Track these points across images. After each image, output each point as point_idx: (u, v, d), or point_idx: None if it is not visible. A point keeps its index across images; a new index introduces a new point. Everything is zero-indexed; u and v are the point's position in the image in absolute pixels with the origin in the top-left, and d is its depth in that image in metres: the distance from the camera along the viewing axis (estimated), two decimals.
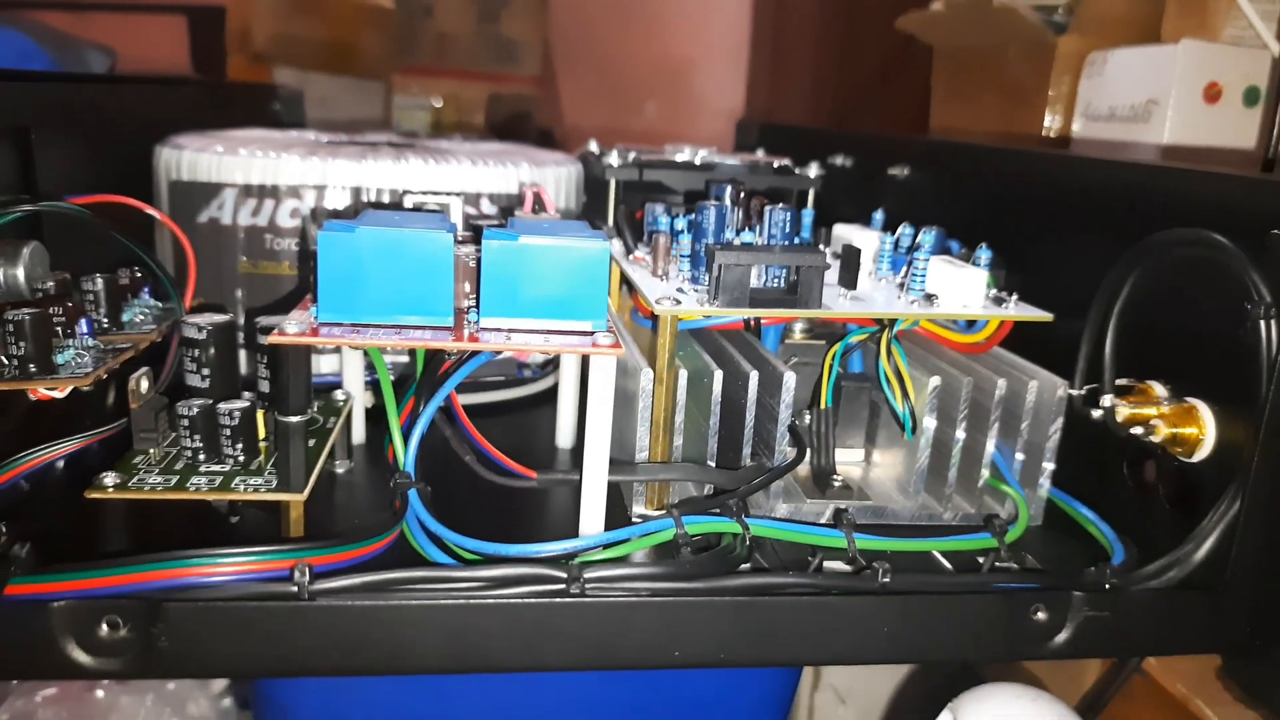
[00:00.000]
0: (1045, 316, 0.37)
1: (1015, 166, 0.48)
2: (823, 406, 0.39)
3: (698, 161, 0.54)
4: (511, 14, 1.86)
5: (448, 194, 0.44)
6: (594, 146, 0.60)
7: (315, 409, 0.38)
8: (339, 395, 0.38)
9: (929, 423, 0.37)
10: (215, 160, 0.44)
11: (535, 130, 1.75)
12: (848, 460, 0.42)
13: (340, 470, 0.39)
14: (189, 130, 0.53)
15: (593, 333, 0.31)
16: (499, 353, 0.30)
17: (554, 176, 0.49)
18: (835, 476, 0.39)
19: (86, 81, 0.47)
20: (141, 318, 0.38)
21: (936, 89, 0.93)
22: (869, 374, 0.42)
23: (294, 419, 0.30)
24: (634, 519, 0.36)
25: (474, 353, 0.33)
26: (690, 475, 0.35)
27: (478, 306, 0.32)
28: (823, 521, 0.37)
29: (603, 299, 0.31)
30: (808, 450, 0.39)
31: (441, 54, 1.85)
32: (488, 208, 0.46)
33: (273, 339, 0.29)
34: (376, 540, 0.30)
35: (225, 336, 0.34)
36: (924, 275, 0.37)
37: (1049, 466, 0.38)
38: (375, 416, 0.41)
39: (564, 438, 0.43)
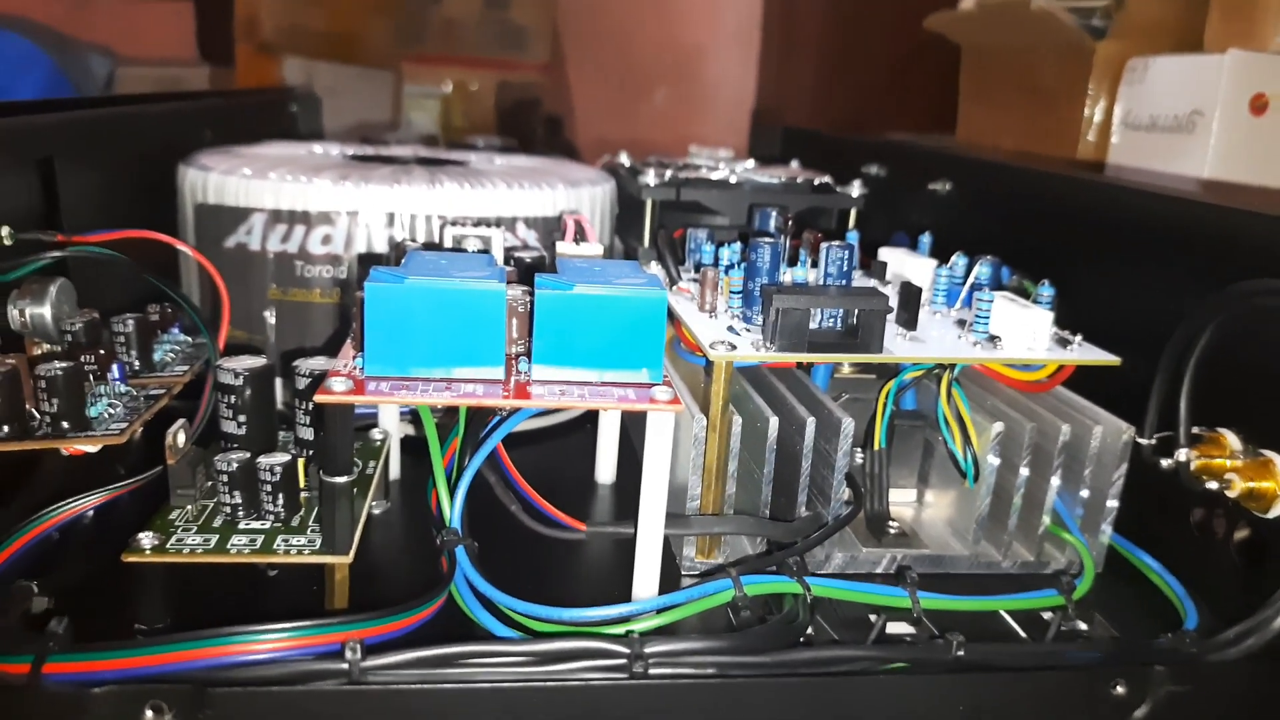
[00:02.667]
0: (1112, 361, 0.36)
1: (1071, 192, 0.46)
2: (877, 447, 0.38)
3: (733, 179, 0.52)
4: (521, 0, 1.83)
5: (484, 222, 0.42)
6: (625, 159, 0.59)
7: (355, 450, 0.36)
8: (376, 435, 0.37)
9: (989, 466, 0.36)
10: (244, 184, 0.43)
11: (544, 118, 1.73)
12: (900, 501, 0.41)
13: (378, 511, 0.38)
14: (212, 144, 0.52)
15: (650, 385, 0.30)
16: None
17: (589, 197, 0.47)
18: (891, 522, 0.37)
19: (105, 105, 0.45)
20: (172, 356, 0.36)
21: (964, 89, 0.91)
22: (923, 411, 0.40)
23: (339, 480, 0.28)
24: (683, 565, 0.35)
25: None
26: (746, 529, 0.33)
27: (528, 354, 0.30)
28: (880, 571, 0.36)
29: (660, 350, 0.30)
30: (862, 495, 0.37)
31: (449, 41, 1.83)
32: (524, 231, 0.44)
33: (321, 398, 0.27)
34: (426, 607, 0.28)
35: (262, 383, 0.32)
36: (988, 316, 0.36)
37: (1112, 513, 0.37)
38: (410, 447, 0.40)
39: (604, 473, 0.42)
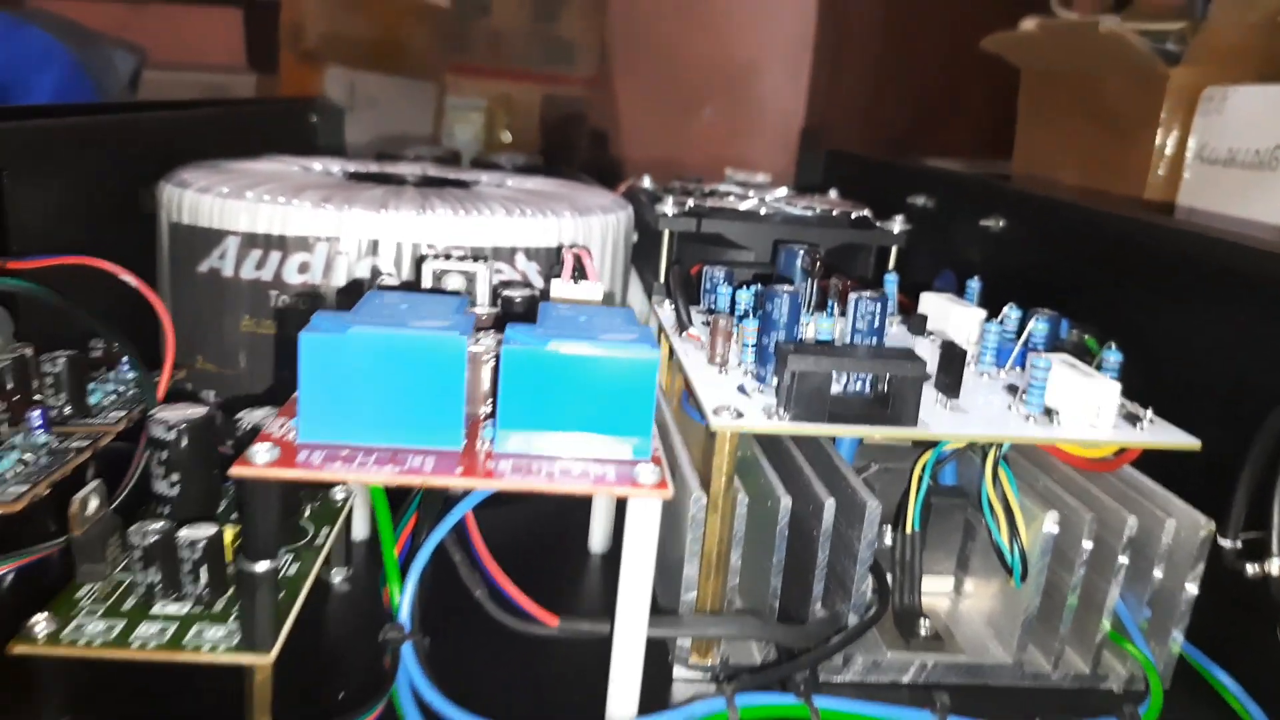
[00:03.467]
0: (1191, 445, 0.30)
1: (1145, 237, 0.41)
2: (909, 530, 0.33)
3: (763, 210, 0.47)
4: (570, 13, 1.80)
5: (479, 252, 0.38)
6: (647, 183, 0.54)
7: (309, 512, 0.32)
8: (338, 494, 0.33)
9: (1039, 562, 0.30)
10: (218, 203, 0.39)
11: (589, 133, 1.70)
12: (935, 590, 0.35)
13: (337, 580, 0.33)
14: (210, 157, 0.48)
15: (634, 462, 0.25)
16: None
17: (600, 226, 0.43)
18: (922, 619, 0.32)
19: (78, 114, 0.42)
20: (113, 399, 0.32)
21: (1023, 114, 0.85)
22: (965, 487, 0.35)
23: (260, 567, 0.24)
24: (676, 661, 0.30)
25: None
26: (748, 632, 0.28)
27: (494, 417, 0.26)
28: (907, 681, 0.31)
29: (648, 420, 0.25)
30: (890, 589, 0.32)
31: (495, 54, 1.80)
32: (524, 264, 0.40)
33: (238, 470, 0.23)
34: None
35: (201, 436, 0.28)
36: (1043, 385, 0.31)
37: (1184, 619, 0.31)
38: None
39: (598, 540, 0.38)
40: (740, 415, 0.28)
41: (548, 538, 0.38)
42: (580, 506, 0.39)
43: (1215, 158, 0.63)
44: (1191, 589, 0.31)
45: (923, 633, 0.32)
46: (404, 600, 0.27)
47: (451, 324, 0.25)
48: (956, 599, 0.35)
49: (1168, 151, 0.68)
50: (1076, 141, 0.77)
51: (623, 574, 0.25)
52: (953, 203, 0.58)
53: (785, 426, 0.28)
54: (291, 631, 0.26)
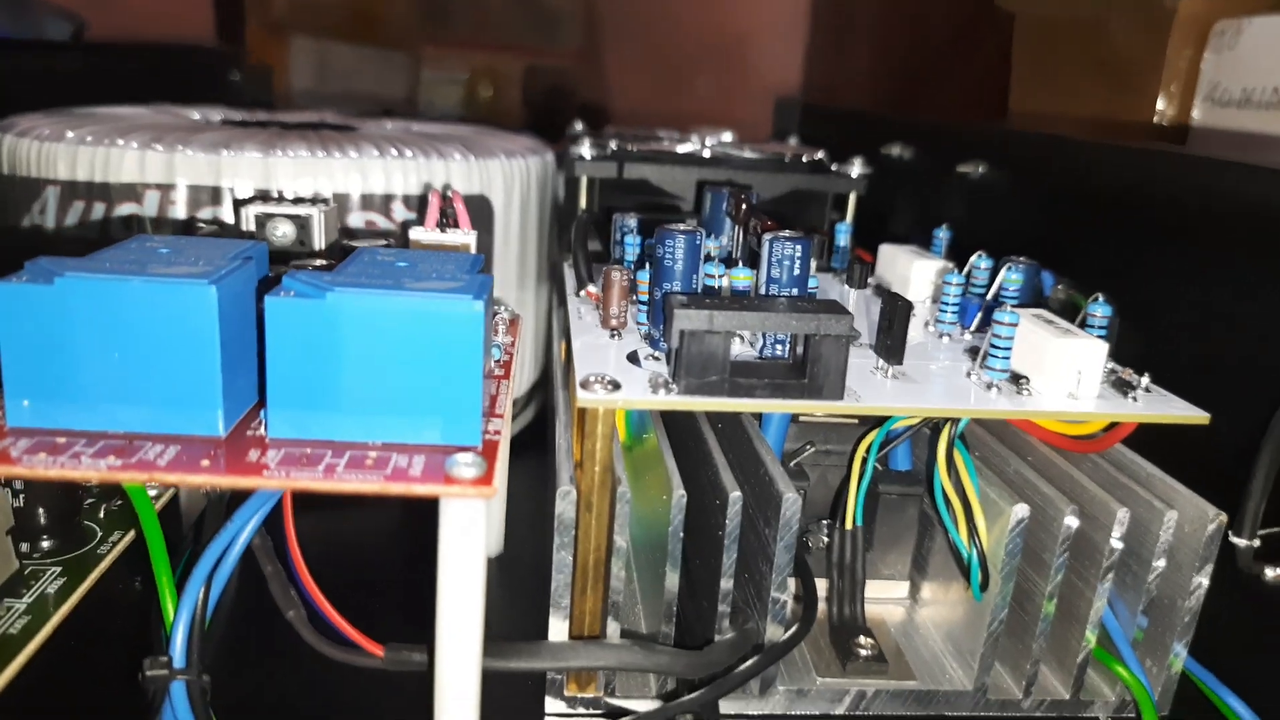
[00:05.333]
0: (1199, 418, 0.24)
1: (1147, 173, 0.34)
2: (849, 526, 0.27)
3: (706, 153, 0.41)
4: None
5: (341, 200, 0.32)
6: (578, 127, 0.48)
7: (104, 514, 0.26)
8: (151, 489, 0.27)
9: (1005, 565, 0.24)
10: (36, 149, 0.33)
11: (575, 106, 1.63)
12: (885, 596, 0.29)
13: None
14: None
15: (448, 449, 0.19)
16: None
17: (502, 172, 0.36)
18: (862, 640, 0.26)
19: None
20: None
21: (1018, 66, 0.78)
22: (920, 473, 0.29)
23: None
24: (547, 698, 0.24)
25: None
26: (626, 661, 0.22)
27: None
28: (840, 712, 0.25)
29: (472, 393, 0.19)
30: (821, 599, 0.26)
31: (477, 24, 1.73)
32: (402, 214, 0.34)
33: None
34: None
35: None
36: (1008, 346, 0.24)
37: (1188, 633, 0.25)
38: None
39: (491, 542, 0.31)
40: (616, 387, 0.22)
41: (415, 544, 0.32)
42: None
43: (1228, 99, 0.57)
44: (1197, 595, 0.25)
45: (863, 653, 0.25)
46: (176, 628, 0.21)
47: (208, 270, 0.19)
48: (911, 609, 0.29)
49: (1175, 95, 0.61)
50: (1076, 92, 0.70)
51: (440, 596, 0.19)
52: (930, 151, 0.51)
53: (673, 401, 0.22)
54: (45, 665, 0.21)
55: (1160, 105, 0.61)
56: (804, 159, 0.41)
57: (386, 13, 1.58)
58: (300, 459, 0.18)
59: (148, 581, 0.22)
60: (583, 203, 0.38)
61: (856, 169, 0.40)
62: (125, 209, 0.32)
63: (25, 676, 0.20)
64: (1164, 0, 0.60)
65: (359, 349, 0.19)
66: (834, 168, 0.40)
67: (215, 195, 0.32)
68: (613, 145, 0.39)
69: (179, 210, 0.32)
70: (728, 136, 0.46)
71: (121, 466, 0.18)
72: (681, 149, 0.41)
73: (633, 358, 0.25)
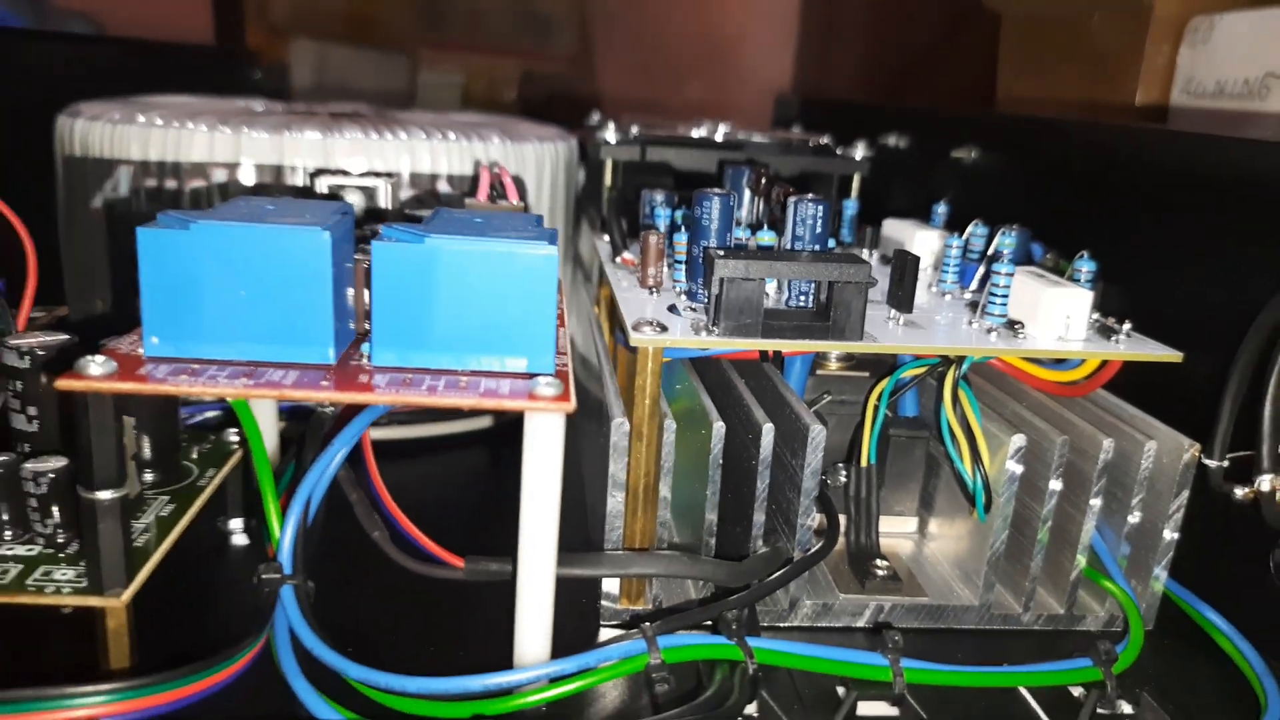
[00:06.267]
0: (1172, 356, 0.27)
1: (1124, 147, 0.38)
2: (864, 464, 0.30)
3: (718, 138, 0.44)
4: None
5: (391, 178, 0.34)
6: (596, 117, 0.51)
7: (196, 455, 0.29)
8: (231, 436, 0.30)
9: (1006, 491, 0.27)
10: (109, 131, 0.35)
11: (570, 110, 1.65)
12: (897, 531, 0.32)
13: (236, 531, 0.30)
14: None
15: (531, 376, 0.22)
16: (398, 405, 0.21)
17: (534, 155, 0.39)
18: (879, 562, 0.29)
19: None
20: None
21: (1004, 62, 0.82)
22: (926, 419, 0.32)
23: (102, 496, 0.21)
24: (604, 608, 0.27)
25: None
26: (675, 569, 0.25)
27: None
28: (862, 625, 0.28)
29: (548, 328, 0.22)
30: (842, 526, 0.29)
31: (472, 29, 1.76)
32: (447, 192, 0.37)
33: (66, 383, 0.20)
34: (216, 671, 0.21)
35: (59, 364, 0.25)
36: (1005, 295, 0.27)
37: (1168, 554, 0.28)
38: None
39: None
40: (664, 329, 0.25)
41: (475, 488, 0.35)
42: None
43: (1203, 90, 0.60)
44: (1176, 520, 0.28)
45: (879, 573, 0.29)
46: (284, 537, 0.24)
47: (318, 220, 0.22)
48: (920, 541, 0.32)
49: (1153, 88, 0.64)
50: (1060, 86, 0.74)
51: (524, 502, 0.22)
52: (926, 138, 0.55)
53: (715, 340, 0.25)
54: (167, 578, 0.23)
55: (1139, 97, 0.65)
56: (810, 143, 0.44)
57: (384, 16, 1.61)
58: (405, 381, 0.21)
59: (255, 500, 0.25)
60: (608, 183, 0.41)
61: (860, 152, 0.43)
62: (195, 186, 0.35)
63: (154, 581, 0.23)
64: (1141, 0, 0.64)
65: (451, 288, 0.22)
66: (839, 151, 0.44)
67: (278, 173, 0.35)
68: (634, 130, 0.42)
69: (245, 189, 0.35)
70: (726, 127, 0.49)
71: (254, 386, 0.20)
72: (696, 133, 0.44)
73: (672, 309, 0.28)
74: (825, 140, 0.45)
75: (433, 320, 0.22)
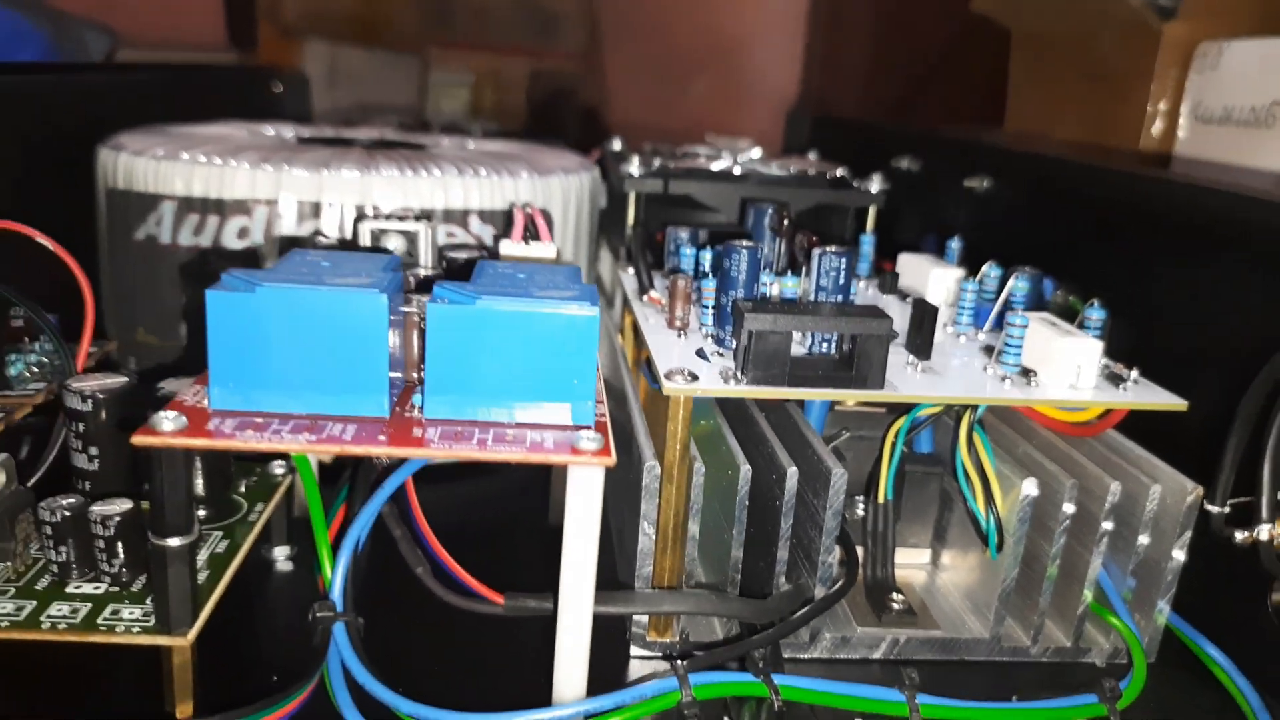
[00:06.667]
0: (1177, 405, 0.28)
1: (1135, 192, 0.39)
2: (881, 500, 0.31)
3: (736, 170, 0.45)
4: None
5: (428, 215, 0.36)
6: (616, 145, 0.52)
7: (245, 487, 0.30)
8: (277, 468, 0.31)
9: (1018, 532, 0.29)
10: (153, 166, 0.37)
11: (578, 109, 1.67)
12: (911, 563, 0.34)
13: (280, 558, 0.32)
14: (157, 123, 0.46)
15: (574, 428, 0.23)
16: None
17: (560, 187, 0.41)
18: (895, 595, 0.30)
19: (22, 72, 0.39)
20: (33, 372, 0.30)
21: (1014, 77, 0.83)
22: (941, 455, 0.33)
23: (172, 542, 0.22)
24: (633, 638, 0.28)
25: None
26: (704, 607, 0.27)
27: (423, 385, 0.24)
28: (878, 657, 0.29)
29: (590, 382, 0.23)
30: (860, 561, 0.31)
31: (481, 27, 1.77)
32: (478, 227, 0.38)
33: (141, 438, 0.21)
34: (275, 709, 0.22)
35: (119, 406, 0.27)
36: (1020, 345, 0.29)
37: (1170, 589, 0.29)
38: (335, 474, 0.34)
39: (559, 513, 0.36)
40: (695, 378, 0.27)
41: (502, 514, 0.36)
42: (538, 484, 0.38)
43: (1210, 115, 0.61)
44: (1178, 558, 0.29)
45: (895, 607, 0.30)
46: (336, 577, 0.25)
47: (374, 281, 0.23)
48: (933, 572, 0.34)
49: (1162, 110, 0.65)
50: (1069, 103, 0.75)
51: (565, 548, 0.23)
52: (937, 164, 0.56)
53: (743, 390, 0.27)
54: (222, 611, 0.25)
55: (1149, 118, 0.66)
56: (827, 175, 0.46)
57: (393, 16, 1.62)
58: (455, 434, 0.23)
59: (305, 541, 0.26)
60: (631, 216, 0.42)
61: (875, 185, 0.44)
62: (236, 222, 0.36)
63: (214, 620, 0.24)
64: (1150, 21, 0.65)
65: (500, 345, 0.23)
66: (855, 184, 0.45)
67: (316, 209, 0.36)
68: (657, 162, 0.44)
69: (285, 223, 0.36)
70: (756, 152, 0.50)
71: (317, 440, 0.22)
72: (716, 166, 0.45)
73: (700, 353, 0.29)
74: (841, 172, 0.46)
75: (482, 375, 0.23)
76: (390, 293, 0.23)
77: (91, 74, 0.48)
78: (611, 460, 0.22)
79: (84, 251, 0.37)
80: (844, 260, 0.29)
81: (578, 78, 1.72)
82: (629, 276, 0.37)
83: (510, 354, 0.23)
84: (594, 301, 0.23)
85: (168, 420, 0.22)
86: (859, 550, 0.31)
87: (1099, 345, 0.29)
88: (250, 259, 0.36)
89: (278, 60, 1.46)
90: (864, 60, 1.40)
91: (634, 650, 0.28)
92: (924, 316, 0.29)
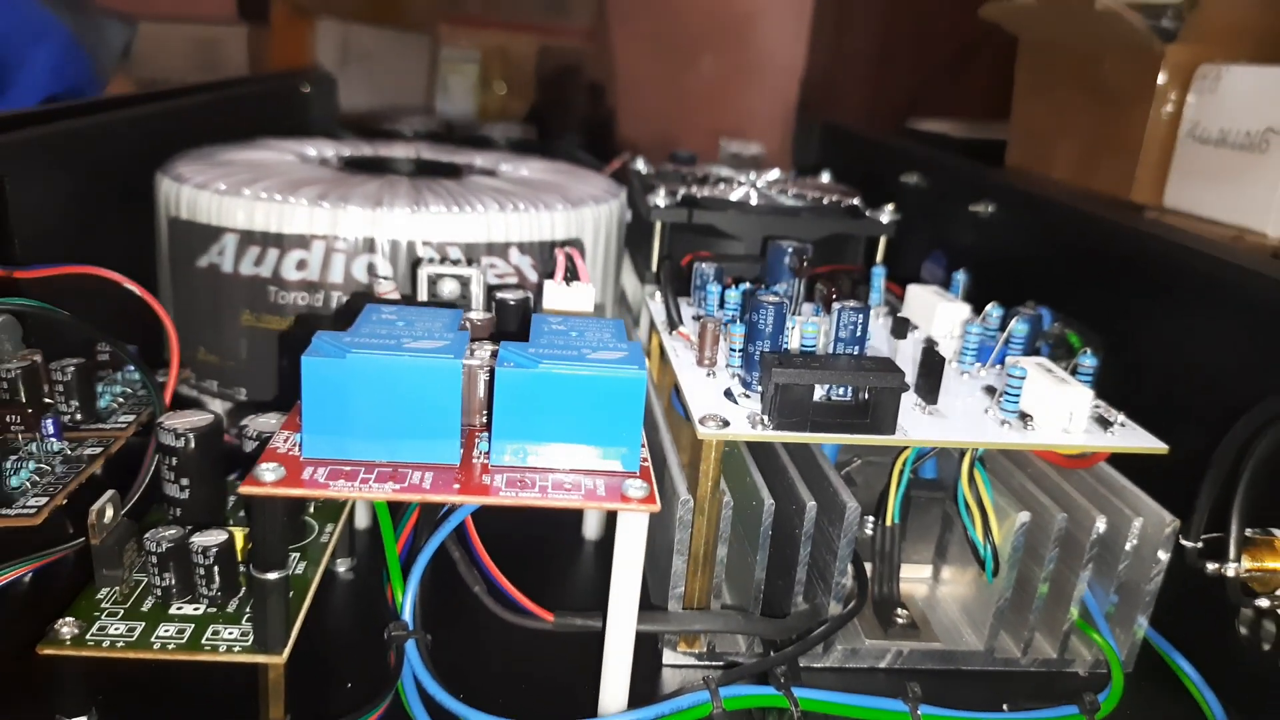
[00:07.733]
0: (1158, 449, 0.31)
1: (1128, 242, 0.42)
2: (889, 523, 0.34)
3: (753, 198, 0.48)
4: None
5: (472, 248, 0.39)
6: (641, 165, 0.55)
7: (313, 508, 0.34)
8: None
9: (1012, 558, 0.32)
10: (216, 200, 0.40)
11: (586, 85, 1.68)
12: (914, 577, 0.37)
13: (341, 570, 0.35)
14: (204, 141, 0.49)
15: (623, 475, 0.26)
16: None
17: (592, 218, 0.43)
18: (899, 610, 0.34)
19: (69, 116, 0.42)
20: (120, 402, 0.33)
21: (1020, 83, 0.85)
22: (944, 480, 0.37)
23: (271, 576, 0.25)
24: (664, 651, 0.32)
25: None
26: (731, 626, 0.30)
27: (489, 430, 0.27)
28: (883, 666, 0.33)
29: (636, 433, 0.27)
30: (869, 576, 0.34)
31: (490, 3, 1.78)
32: (517, 258, 0.41)
33: (248, 489, 0.24)
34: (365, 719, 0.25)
35: (208, 443, 0.30)
36: (1018, 392, 0.32)
37: (1148, 608, 0.33)
38: None
39: (591, 528, 0.39)
40: (726, 424, 0.30)
41: (542, 527, 0.39)
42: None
43: (1207, 137, 0.64)
44: (1156, 581, 0.32)
45: (899, 621, 0.33)
46: (406, 600, 0.28)
47: (447, 345, 0.26)
48: (934, 586, 0.37)
49: (1161, 129, 0.68)
50: (1072, 113, 0.77)
51: (614, 580, 0.26)
52: (945, 184, 0.58)
53: (769, 435, 0.30)
54: (300, 627, 0.28)
55: (1148, 135, 0.68)
56: (841, 204, 0.48)
57: None
58: (519, 482, 0.26)
59: (376, 556, 0.29)
60: (656, 246, 0.45)
61: (886, 216, 0.47)
62: (295, 255, 0.39)
63: (301, 641, 0.27)
64: (1152, 43, 0.67)
65: (559, 402, 0.26)
66: (867, 213, 0.48)
67: (371, 245, 0.39)
68: (681, 192, 0.46)
69: (340, 257, 0.39)
70: (774, 174, 0.53)
71: (402, 489, 0.25)
72: (736, 195, 0.48)
73: (728, 394, 0.32)
74: (854, 202, 0.49)
75: (542, 427, 0.26)
76: (460, 354, 0.26)
77: (142, 104, 0.50)
78: (656, 507, 0.25)
79: (142, 269, 0.40)
80: (860, 316, 0.32)
81: (585, 54, 1.73)
82: (657, 305, 0.40)
83: (567, 410, 0.26)
84: (641, 364, 0.26)
85: (269, 471, 0.25)
86: (867, 567, 0.35)
87: (1089, 393, 0.32)
88: (308, 288, 0.39)
89: (290, 37, 1.48)
90: (872, 50, 1.41)
91: (667, 657, 0.32)
92: (932, 365, 0.32)
